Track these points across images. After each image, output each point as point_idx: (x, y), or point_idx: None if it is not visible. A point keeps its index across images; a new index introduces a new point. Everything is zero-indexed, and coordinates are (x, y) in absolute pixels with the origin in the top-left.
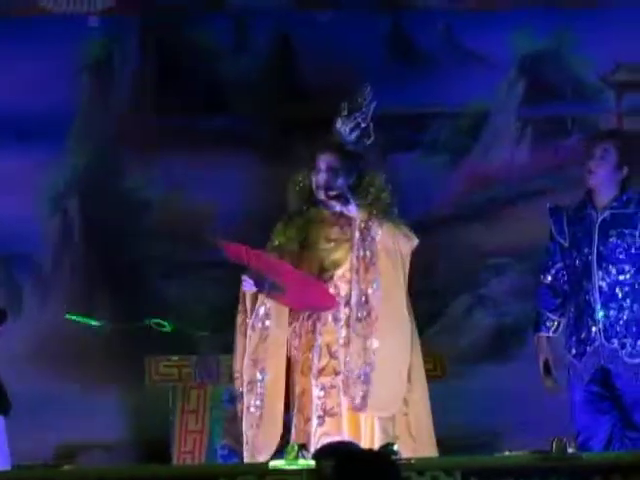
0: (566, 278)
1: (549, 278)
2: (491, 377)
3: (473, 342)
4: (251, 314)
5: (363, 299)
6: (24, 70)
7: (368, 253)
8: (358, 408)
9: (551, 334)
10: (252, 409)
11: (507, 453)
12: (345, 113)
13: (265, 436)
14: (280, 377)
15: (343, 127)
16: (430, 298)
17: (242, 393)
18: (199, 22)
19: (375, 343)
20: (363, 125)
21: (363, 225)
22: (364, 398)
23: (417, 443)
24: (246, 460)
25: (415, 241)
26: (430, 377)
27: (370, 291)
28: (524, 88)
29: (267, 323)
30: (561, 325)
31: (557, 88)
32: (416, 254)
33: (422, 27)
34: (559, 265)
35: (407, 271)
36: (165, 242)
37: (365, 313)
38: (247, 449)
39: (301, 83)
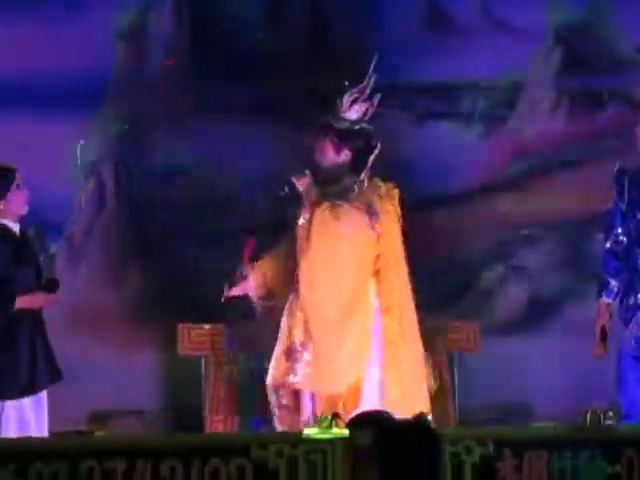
0: (625, 243)
1: (610, 243)
2: (524, 349)
3: (506, 313)
4: None
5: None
6: (61, 36)
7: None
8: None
9: (611, 300)
10: None
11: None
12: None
13: None
14: None
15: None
16: (462, 269)
17: None
18: None
19: None
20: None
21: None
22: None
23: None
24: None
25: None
26: (463, 349)
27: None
28: (559, 59)
29: None
30: (620, 291)
31: (592, 59)
32: (447, 225)
33: None
34: (619, 230)
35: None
36: (197, 210)
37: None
38: None
39: (334, 53)
